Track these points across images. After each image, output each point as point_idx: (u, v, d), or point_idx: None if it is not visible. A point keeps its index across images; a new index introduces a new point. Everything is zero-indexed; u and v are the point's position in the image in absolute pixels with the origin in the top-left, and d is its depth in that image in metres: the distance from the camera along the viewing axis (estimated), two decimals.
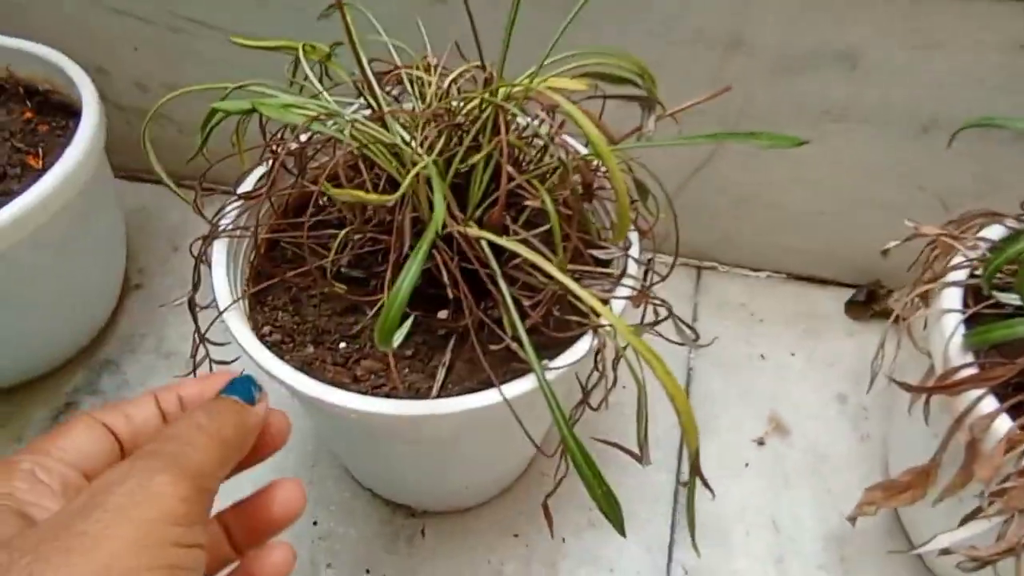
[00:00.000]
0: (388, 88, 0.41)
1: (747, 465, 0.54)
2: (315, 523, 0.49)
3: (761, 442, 0.55)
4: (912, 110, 0.51)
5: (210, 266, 0.39)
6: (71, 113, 0.56)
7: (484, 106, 0.35)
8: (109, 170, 0.55)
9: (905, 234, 0.48)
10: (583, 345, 0.35)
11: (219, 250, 0.39)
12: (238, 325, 0.35)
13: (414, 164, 0.35)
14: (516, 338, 0.34)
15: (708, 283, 0.65)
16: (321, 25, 0.54)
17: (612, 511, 0.31)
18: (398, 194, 0.31)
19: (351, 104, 0.43)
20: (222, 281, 0.37)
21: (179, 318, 0.60)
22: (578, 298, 0.35)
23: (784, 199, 0.60)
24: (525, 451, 0.49)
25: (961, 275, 0.41)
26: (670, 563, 0.49)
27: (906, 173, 0.55)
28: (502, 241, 0.31)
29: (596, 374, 0.37)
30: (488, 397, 0.33)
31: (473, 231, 0.31)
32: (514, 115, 0.33)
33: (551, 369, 0.34)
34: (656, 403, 0.33)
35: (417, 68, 0.40)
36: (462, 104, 0.35)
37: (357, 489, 0.51)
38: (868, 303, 0.63)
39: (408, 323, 0.28)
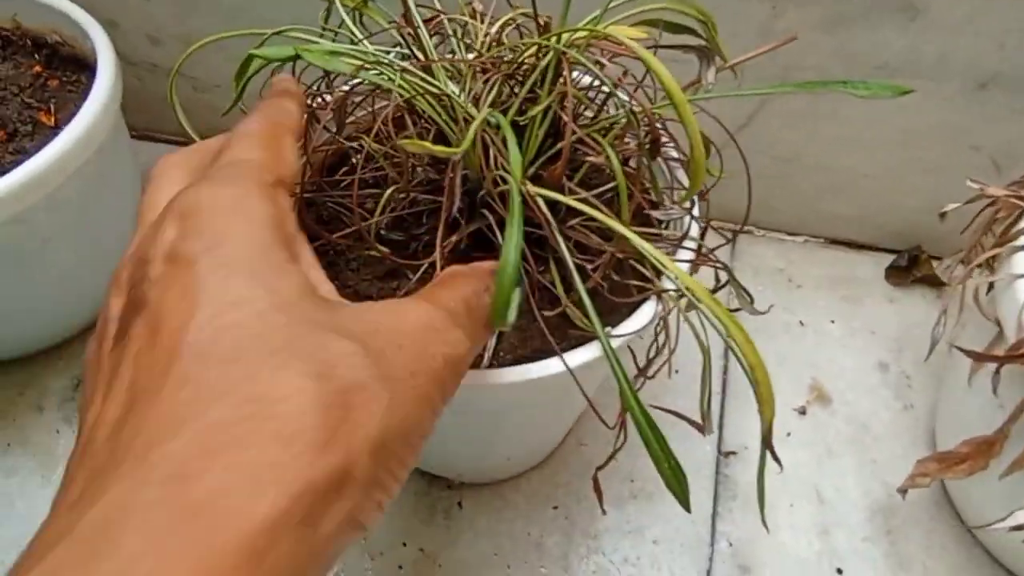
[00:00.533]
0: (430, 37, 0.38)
1: (789, 435, 0.52)
2: None
3: (803, 411, 0.53)
4: (972, 65, 0.49)
5: None
6: (82, 67, 0.53)
7: (542, 53, 0.32)
8: (125, 128, 0.52)
9: (965, 195, 0.45)
10: (647, 310, 0.33)
11: None
12: None
13: (466, 118, 0.32)
14: (576, 302, 0.32)
15: (744, 248, 0.62)
16: None
17: (679, 486, 0.30)
18: (466, 144, 0.28)
19: (389, 54, 0.40)
20: None
21: None
22: (640, 261, 0.33)
23: (828, 160, 0.57)
24: (569, 421, 0.47)
25: None
26: (714, 535, 0.48)
27: (959, 132, 0.53)
28: (568, 200, 0.29)
29: (653, 341, 0.35)
30: (549, 366, 0.31)
31: (534, 188, 0.29)
32: (577, 62, 0.30)
33: (615, 336, 0.32)
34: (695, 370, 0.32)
35: (462, 14, 0.38)
36: (517, 52, 0.32)
37: None
38: (909, 268, 0.61)
39: (518, 295, 0.25)
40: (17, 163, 0.47)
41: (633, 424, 0.30)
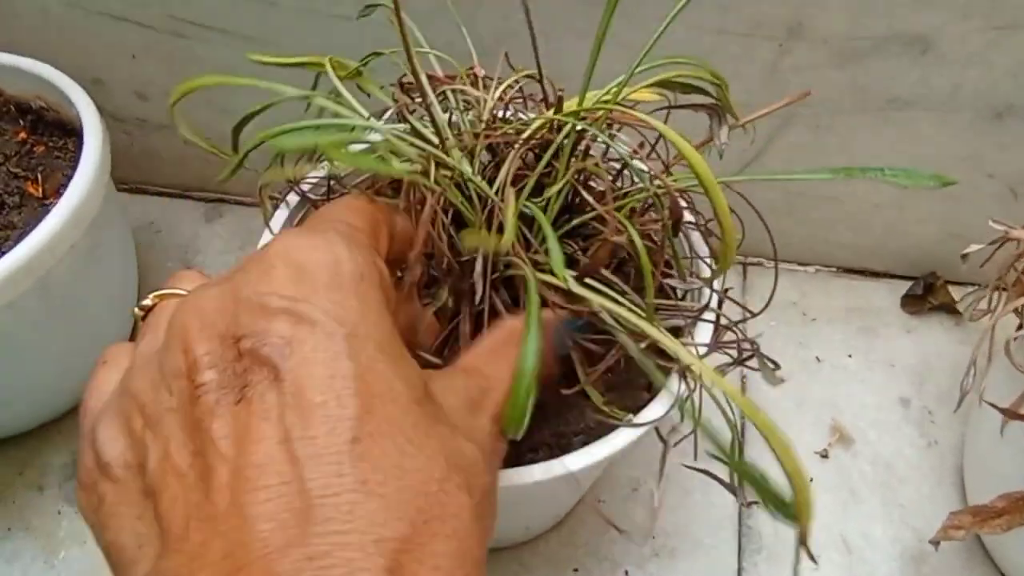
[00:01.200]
0: (420, 104, 0.37)
1: (812, 480, 0.51)
2: None
3: (824, 455, 0.52)
4: (986, 95, 0.47)
5: None
6: (68, 132, 0.52)
7: (556, 126, 0.31)
8: (116, 196, 0.51)
9: (980, 222, 0.44)
10: (669, 392, 0.31)
11: None
12: None
13: (479, 193, 0.31)
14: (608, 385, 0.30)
15: (755, 281, 0.61)
16: (338, 28, 0.50)
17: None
18: (508, 237, 0.27)
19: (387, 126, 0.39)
20: None
21: None
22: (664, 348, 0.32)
23: (840, 192, 0.56)
24: (587, 486, 0.46)
25: None
26: None
27: (974, 161, 0.52)
28: (609, 305, 0.28)
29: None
30: (572, 462, 0.30)
31: (576, 289, 0.27)
32: (596, 138, 0.29)
33: (637, 425, 0.31)
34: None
35: (463, 80, 0.36)
36: (529, 127, 0.31)
37: None
38: (926, 296, 0.59)
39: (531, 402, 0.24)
40: (5, 239, 0.45)
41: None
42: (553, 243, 0.26)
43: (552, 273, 0.27)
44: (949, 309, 0.59)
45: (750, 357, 0.35)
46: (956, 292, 0.59)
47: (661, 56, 0.32)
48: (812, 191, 0.56)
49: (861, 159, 0.53)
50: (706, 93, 0.36)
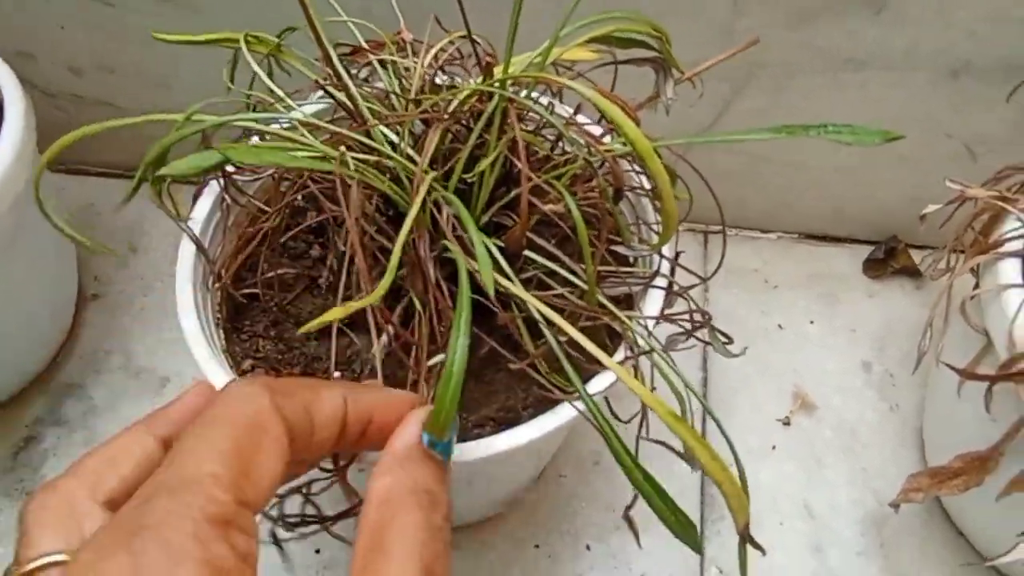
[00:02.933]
0: (354, 72, 0.35)
1: (774, 448, 0.50)
2: (317, 551, 0.45)
3: (787, 422, 0.52)
4: (942, 54, 0.46)
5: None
6: None
7: (486, 97, 0.29)
8: (46, 176, 0.48)
9: (940, 184, 0.43)
10: (608, 374, 0.30)
11: (184, 268, 0.33)
12: (211, 367, 0.30)
13: (410, 176, 0.29)
14: (552, 359, 0.29)
15: (715, 249, 0.60)
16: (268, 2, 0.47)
17: (690, 535, 0.27)
18: (405, 231, 0.25)
19: (308, 102, 0.37)
20: (190, 314, 0.32)
21: (146, 329, 0.54)
22: (608, 318, 0.30)
23: (799, 156, 0.55)
24: (546, 460, 0.45)
25: (1018, 244, 0.37)
26: (703, 562, 0.46)
27: (931, 122, 0.51)
28: (528, 297, 0.26)
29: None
30: (520, 435, 0.29)
31: (506, 284, 0.26)
32: (525, 108, 0.27)
33: (591, 396, 0.30)
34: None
35: (391, 47, 0.34)
36: (458, 97, 0.29)
37: None
38: (887, 260, 0.59)
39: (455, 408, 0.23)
40: None
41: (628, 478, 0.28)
42: (479, 245, 0.25)
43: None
44: (910, 272, 0.59)
45: (700, 327, 0.34)
46: (917, 256, 0.58)
47: (597, 12, 0.30)
48: (775, 156, 0.55)
49: (820, 121, 0.52)
50: (648, 47, 0.34)
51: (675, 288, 0.32)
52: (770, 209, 0.60)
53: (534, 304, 0.28)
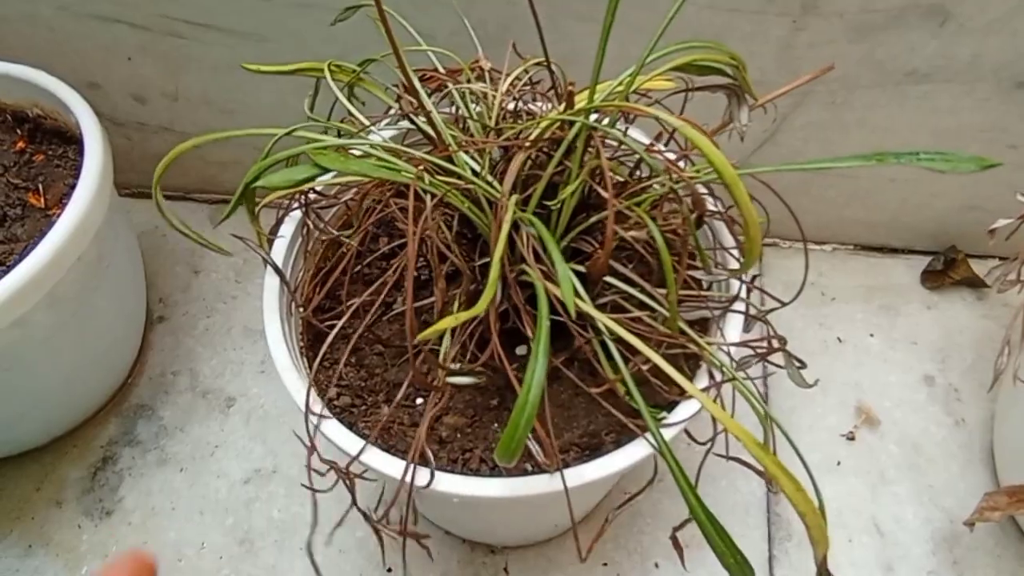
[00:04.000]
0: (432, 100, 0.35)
1: (839, 464, 0.50)
2: (389, 570, 0.46)
3: (851, 437, 0.51)
4: (1007, 66, 0.46)
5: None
6: (67, 139, 0.50)
7: (566, 125, 0.30)
8: (120, 203, 0.50)
9: (1000, 193, 0.42)
10: (694, 401, 0.31)
11: (270, 298, 0.34)
12: (302, 398, 0.31)
13: (489, 198, 0.30)
14: (625, 384, 0.30)
15: (771, 261, 0.60)
16: (333, 25, 0.48)
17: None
18: (500, 245, 0.26)
19: (383, 128, 0.37)
20: (279, 342, 0.32)
21: (210, 349, 0.56)
22: (691, 347, 0.31)
23: (857, 169, 0.54)
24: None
25: None
26: None
27: (995, 132, 0.50)
28: (610, 322, 0.27)
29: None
30: (607, 465, 0.29)
31: (587, 308, 0.27)
32: (607, 136, 0.28)
33: (668, 425, 0.30)
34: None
35: (468, 73, 0.35)
36: (538, 126, 0.30)
37: (428, 527, 0.47)
38: (946, 271, 0.58)
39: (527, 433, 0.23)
40: (10, 253, 0.44)
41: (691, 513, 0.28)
42: (561, 266, 0.25)
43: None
44: (970, 283, 0.58)
45: (775, 351, 0.34)
46: (977, 266, 0.58)
47: (673, 40, 0.31)
48: (825, 170, 0.55)
49: (879, 135, 0.52)
50: (723, 74, 0.34)
51: (754, 312, 0.32)
52: (825, 220, 0.59)
53: (617, 330, 0.28)
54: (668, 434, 0.30)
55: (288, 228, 0.36)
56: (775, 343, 0.33)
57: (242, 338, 0.56)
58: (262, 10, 0.48)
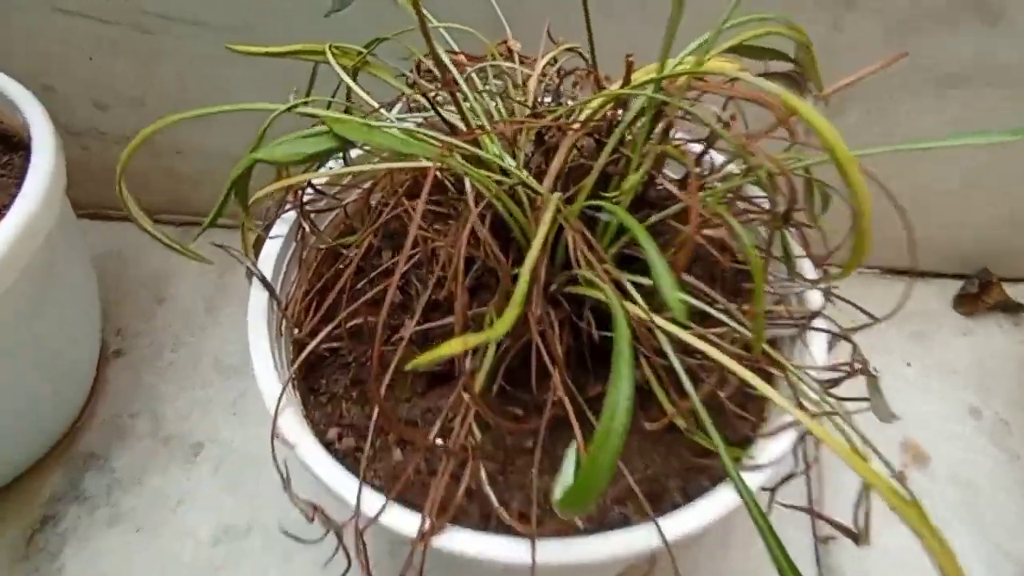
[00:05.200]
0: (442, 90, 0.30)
1: (892, 508, 0.45)
2: None
3: (900, 477, 0.46)
4: None
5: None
6: (14, 145, 0.44)
7: (618, 106, 0.25)
8: (72, 214, 0.43)
9: None
10: (786, 437, 0.25)
11: (256, 317, 0.28)
12: (306, 441, 0.24)
13: (529, 196, 0.24)
14: (695, 415, 0.24)
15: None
16: (327, 16, 0.43)
17: None
18: (534, 253, 0.20)
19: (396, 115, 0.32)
20: (266, 366, 0.26)
21: (175, 387, 0.49)
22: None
23: (887, 182, 0.51)
24: None
25: None
26: None
27: None
28: (693, 340, 0.22)
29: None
30: (713, 508, 0.23)
31: (661, 322, 0.21)
32: (686, 113, 0.23)
33: (755, 467, 0.25)
34: None
35: (496, 55, 0.30)
36: (591, 103, 0.25)
37: None
38: (980, 295, 0.55)
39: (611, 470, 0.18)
40: None
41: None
42: (655, 255, 0.20)
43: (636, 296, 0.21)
44: (1007, 307, 0.54)
45: (859, 373, 0.29)
46: (1009, 290, 0.54)
47: (706, 27, 0.26)
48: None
49: (922, 139, 0.48)
50: (782, 58, 0.30)
51: (838, 331, 0.28)
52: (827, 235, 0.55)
53: (698, 346, 0.23)
54: (754, 480, 0.24)
55: (279, 233, 0.30)
56: (859, 366, 0.28)
57: (213, 373, 0.49)
58: (245, 2, 0.43)
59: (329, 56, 0.29)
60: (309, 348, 0.24)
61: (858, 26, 0.42)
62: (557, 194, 0.24)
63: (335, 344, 0.30)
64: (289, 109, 0.26)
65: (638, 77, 0.26)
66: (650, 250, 0.18)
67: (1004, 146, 0.47)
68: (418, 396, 0.29)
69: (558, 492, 0.20)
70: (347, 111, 0.30)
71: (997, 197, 0.50)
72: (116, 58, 0.47)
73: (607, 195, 0.24)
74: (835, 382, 0.29)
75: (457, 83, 0.25)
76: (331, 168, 0.31)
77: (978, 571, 0.42)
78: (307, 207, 0.29)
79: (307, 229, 0.29)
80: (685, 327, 0.23)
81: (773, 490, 0.28)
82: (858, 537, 0.28)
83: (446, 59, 0.25)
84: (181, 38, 0.45)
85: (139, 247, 0.56)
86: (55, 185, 0.37)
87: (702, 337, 0.22)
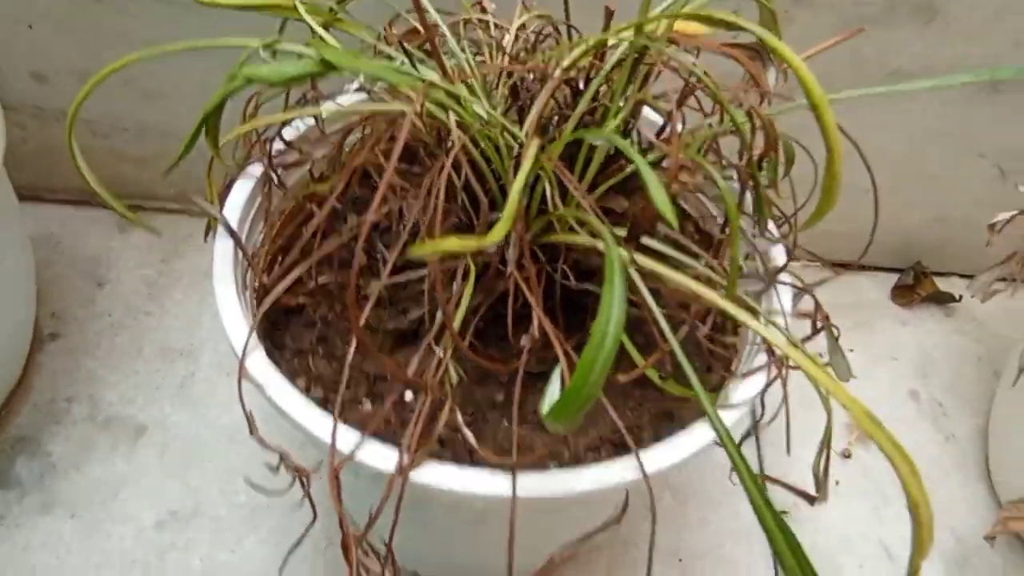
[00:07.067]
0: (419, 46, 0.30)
1: (838, 483, 0.46)
2: None
3: (847, 455, 0.48)
4: (988, 66, 0.46)
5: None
6: None
7: (599, 54, 0.25)
8: (12, 192, 0.41)
9: (967, 204, 0.41)
10: (757, 381, 0.26)
11: (222, 267, 0.27)
12: (276, 381, 0.24)
13: (508, 143, 0.25)
14: (673, 366, 0.25)
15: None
16: None
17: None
18: (523, 173, 0.20)
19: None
20: (232, 311, 0.25)
21: (117, 373, 0.46)
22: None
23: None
24: None
25: None
26: None
27: (966, 138, 0.50)
28: (673, 275, 0.22)
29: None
30: (691, 443, 0.23)
31: (643, 260, 0.22)
32: (665, 60, 0.24)
33: (728, 407, 0.25)
34: None
35: (469, 12, 0.30)
36: (567, 53, 0.25)
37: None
38: (914, 287, 0.57)
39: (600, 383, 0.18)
40: None
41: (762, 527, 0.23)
42: (647, 172, 0.20)
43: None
44: (939, 299, 0.57)
45: (819, 331, 0.30)
46: (941, 282, 0.57)
47: None
48: (797, 178, 0.53)
49: (857, 135, 0.50)
50: (745, 30, 0.31)
51: (804, 286, 0.29)
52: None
53: (682, 283, 0.23)
54: (730, 418, 0.25)
55: (243, 190, 0.30)
56: (821, 320, 0.29)
57: (157, 359, 0.47)
58: None
59: (300, 9, 0.29)
60: (276, 291, 0.23)
61: (808, 19, 0.44)
62: (537, 140, 0.24)
63: (301, 301, 0.29)
64: (267, 46, 0.25)
65: (614, 29, 0.26)
66: (643, 167, 0.19)
67: (923, 144, 0.50)
68: (386, 354, 0.29)
69: (546, 407, 0.20)
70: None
71: (919, 199, 0.53)
72: (58, 28, 0.45)
73: (587, 134, 0.25)
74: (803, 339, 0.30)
75: (438, 28, 0.25)
76: (302, 119, 0.30)
77: None
78: (275, 159, 0.29)
79: (275, 181, 0.29)
80: (665, 258, 0.24)
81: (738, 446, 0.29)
82: (815, 499, 0.29)
83: (428, 4, 0.25)
84: (131, 9, 0.44)
85: (76, 230, 0.53)
86: None
87: (679, 269, 0.23)
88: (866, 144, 0.52)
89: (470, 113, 0.24)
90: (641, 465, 0.22)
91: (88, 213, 0.55)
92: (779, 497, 0.45)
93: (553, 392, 0.21)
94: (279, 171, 0.29)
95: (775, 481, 0.29)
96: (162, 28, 0.44)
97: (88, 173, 0.31)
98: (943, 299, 0.57)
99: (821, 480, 0.28)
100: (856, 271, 0.59)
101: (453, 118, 0.24)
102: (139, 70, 0.47)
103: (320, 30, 0.29)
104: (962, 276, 0.59)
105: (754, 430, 0.29)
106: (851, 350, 0.54)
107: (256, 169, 0.29)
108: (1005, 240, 0.42)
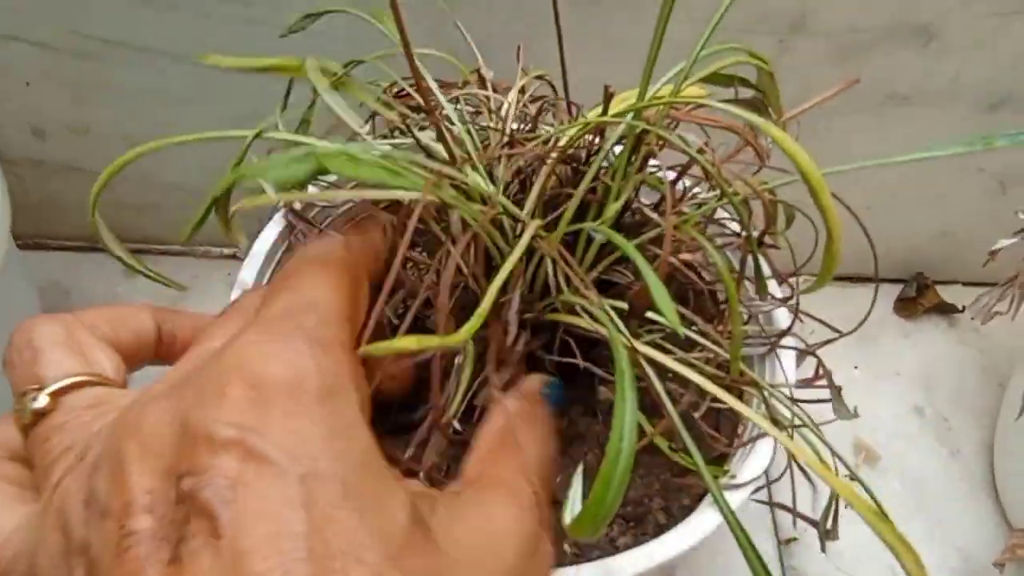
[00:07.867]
0: (419, 116, 0.30)
1: (847, 507, 0.47)
2: None
3: (852, 477, 0.48)
4: (985, 87, 0.46)
5: None
6: None
7: (596, 134, 0.25)
8: (16, 252, 0.41)
9: (969, 218, 0.42)
10: (764, 451, 0.26)
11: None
12: None
13: (512, 229, 0.25)
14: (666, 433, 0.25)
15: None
16: (287, 41, 0.43)
17: None
18: (505, 270, 0.20)
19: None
20: None
21: None
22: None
23: (841, 196, 0.53)
24: None
25: None
26: None
27: (965, 154, 0.50)
28: (675, 366, 0.22)
29: None
30: (699, 528, 0.24)
31: (645, 350, 0.22)
32: (664, 141, 0.24)
33: (736, 485, 0.25)
34: None
35: (469, 80, 0.30)
36: (569, 130, 0.25)
37: None
38: (917, 299, 0.58)
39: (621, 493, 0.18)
40: None
41: None
42: (648, 272, 0.20)
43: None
44: (942, 310, 0.57)
45: (824, 387, 0.30)
46: (944, 292, 0.57)
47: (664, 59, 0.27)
48: (798, 200, 0.53)
49: (855, 162, 0.50)
50: (747, 84, 0.31)
51: (804, 347, 0.29)
52: (798, 251, 0.57)
53: (676, 369, 0.23)
54: (735, 498, 0.25)
55: (262, 245, 0.30)
56: (825, 381, 0.29)
57: None
58: (198, 28, 0.42)
59: (310, 71, 0.29)
60: None
61: (804, 48, 0.44)
62: (537, 221, 0.24)
63: None
64: (258, 136, 0.25)
65: (613, 106, 0.26)
66: (643, 265, 0.19)
67: (927, 163, 0.50)
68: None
69: (567, 517, 0.21)
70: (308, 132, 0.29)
71: (922, 213, 0.54)
72: (55, 85, 0.45)
73: (588, 224, 0.25)
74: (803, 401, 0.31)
75: (443, 110, 0.25)
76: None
77: (929, 563, 0.44)
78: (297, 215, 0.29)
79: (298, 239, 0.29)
80: (667, 352, 0.24)
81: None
82: (828, 534, 0.30)
83: (432, 85, 0.25)
84: (124, 64, 0.44)
85: (82, 277, 0.54)
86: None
87: (683, 361, 0.23)
88: (865, 167, 0.52)
89: (476, 198, 0.25)
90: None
91: (93, 259, 0.55)
92: (789, 524, 0.46)
93: (574, 502, 0.21)
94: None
95: (799, 515, 0.29)
96: (152, 79, 0.44)
97: (115, 245, 0.31)
98: (946, 309, 0.57)
99: (831, 529, 0.29)
100: (859, 284, 0.59)
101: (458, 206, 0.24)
102: (139, 125, 0.48)
103: (327, 93, 0.29)
104: (965, 284, 0.59)
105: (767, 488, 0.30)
106: (855, 367, 0.54)
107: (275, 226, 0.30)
108: (1007, 255, 0.42)
